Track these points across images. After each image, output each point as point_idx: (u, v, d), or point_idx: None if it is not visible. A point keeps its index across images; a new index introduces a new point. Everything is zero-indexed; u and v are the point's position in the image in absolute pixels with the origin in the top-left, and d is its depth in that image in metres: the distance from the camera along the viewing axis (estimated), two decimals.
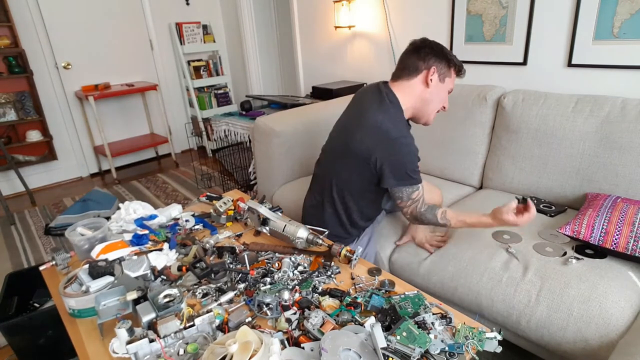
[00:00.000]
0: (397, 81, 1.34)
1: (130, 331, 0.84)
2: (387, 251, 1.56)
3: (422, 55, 1.29)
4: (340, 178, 1.38)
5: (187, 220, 1.38)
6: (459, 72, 1.35)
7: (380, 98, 1.31)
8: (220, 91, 4.17)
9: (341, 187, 1.39)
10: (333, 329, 0.84)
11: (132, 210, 1.37)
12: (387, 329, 0.86)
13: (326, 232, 1.24)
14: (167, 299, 0.92)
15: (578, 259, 1.24)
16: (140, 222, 1.34)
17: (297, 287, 1.01)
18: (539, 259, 1.27)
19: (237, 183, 3.23)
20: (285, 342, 0.84)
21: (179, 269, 1.10)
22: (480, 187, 1.94)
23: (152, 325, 0.86)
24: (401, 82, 1.33)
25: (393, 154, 1.25)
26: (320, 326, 0.85)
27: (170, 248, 1.21)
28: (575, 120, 1.56)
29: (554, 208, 1.58)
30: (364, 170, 1.31)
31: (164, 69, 4.00)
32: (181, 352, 0.82)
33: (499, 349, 0.83)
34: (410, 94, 1.31)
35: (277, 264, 1.13)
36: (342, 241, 1.42)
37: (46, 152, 3.47)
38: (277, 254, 1.19)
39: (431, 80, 1.29)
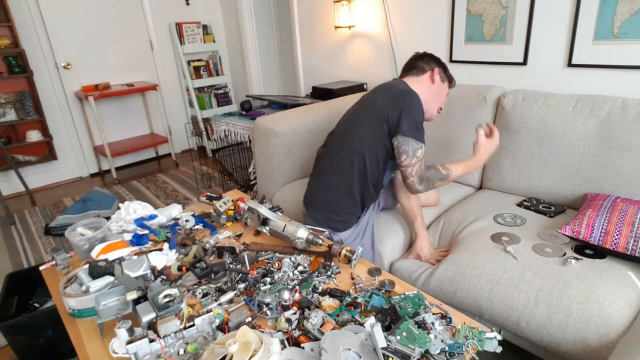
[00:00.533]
0: (405, 77, 1.52)
1: (130, 331, 0.84)
2: (387, 248, 1.56)
3: (425, 60, 1.50)
4: (358, 147, 1.41)
5: (187, 220, 1.38)
6: (451, 82, 1.55)
7: (398, 82, 1.48)
8: (220, 91, 4.17)
9: (359, 155, 1.41)
10: (333, 329, 0.84)
11: (132, 210, 1.37)
12: (387, 329, 0.86)
13: (326, 232, 1.24)
14: (167, 299, 0.92)
15: (577, 259, 1.24)
16: (140, 222, 1.34)
17: (297, 287, 1.01)
18: (538, 260, 1.27)
19: (237, 183, 3.23)
20: (285, 342, 0.84)
21: (179, 269, 1.10)
22: (480, 188, 1.95)
23: (152, 325, 0.86)
24: (410, 77, 1.50)
25: (405, 103, 1.36)
26: (320, 326, 0.85)
27: (170, 248, 1.21)
28: (575, 120, 1.56)
29: (553, 209, 1.58)
30: (379, 130, 1.37)
31: (164, 69, 4.00)
32: (181, 352, 0.82)
33: (499, 349, 0.83)
34: (419, 88, 1.45)
35: (277, 264, 1.13)
36: (347, 220, 1.46)
37: (46, 152, 3.47)
38: (277, 254, 1.19)
39: (436, 78, 1.48)
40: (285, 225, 1.20)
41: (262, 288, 1.02)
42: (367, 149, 1.40)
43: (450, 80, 1.54)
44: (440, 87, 1.50)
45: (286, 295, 0.96)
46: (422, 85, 1.47)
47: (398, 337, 0.81)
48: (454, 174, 1.41)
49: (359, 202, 1.46)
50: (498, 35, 1.97)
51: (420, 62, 1.49)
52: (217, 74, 4.20)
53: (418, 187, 1.37)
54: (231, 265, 1.13)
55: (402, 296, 0.97)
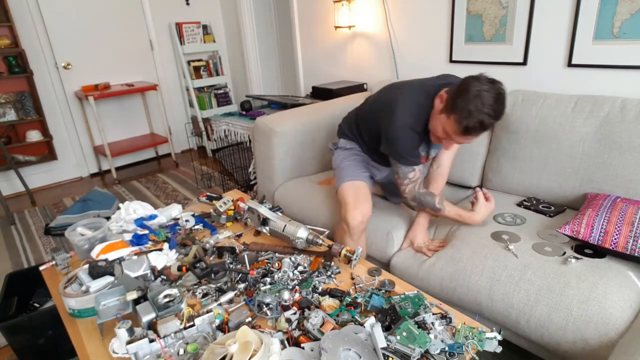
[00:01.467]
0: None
1: (130, 331, 0.84)
2: (400, 235, 1.57)
3: (454, 78, 1.38)
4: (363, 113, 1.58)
5: (187, 220, 1.39)
6: (458, 128, 1.20)
7: (431, 90, 1.36)
8: (220, 91, 4.17)
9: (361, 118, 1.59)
10: (333, 329, 0.84)
11: (132, 210, 1.37)
12: (387, 329, 0.86)
13: (326, 232, 1.24)
14: (167, 299, 0.93)
15: (577, 258, 1.24)
16: (140, 222, 1.34)
17: (297, 287, 1.01)
18: (538, 259, 1.27)
19: (237, 183, 3.23)
20: (285, 342, 0.84)
21: (179, 269, 1.10)
22: (480, 188, 1.94)
23: (152, 325, 0.86)
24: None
25: (389, 131, 1.37)
26: (320, 326, 0.85)
27: (170, 248, 1.22)
28: (575, 120, 1.56)
29: (553, 208, 1.58)
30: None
31: (164, 69, 4.00)
32: (181, 352, 0.82)
33: (499, 349, 0.83)
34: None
35: (277, 264, 1.13)
36: (348, 140, 1.65)
37: (46, 152, 3.47)
38: (277, 254, 1.19)
39: (436, 102, 1.31)
40: (285, 225, 1.20)
41: (262, 288, 1.02)
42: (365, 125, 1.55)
43: (457, 125, 1.19)
44: (438, 117, 1.27)
45: (286, 295, 0.96)
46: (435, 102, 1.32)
47: (398, 337, 0.81)
48: (445, 213, 1.45)
49: (364, 142, 1.60)
50: (498, 35, 1.97)
51: (452, 78, 1.36)
52: (217, 74, 4.20)
53: (410, 202, 1.47)
54: (231, 265, 1.13)
55: (402, 296, 0.97)
